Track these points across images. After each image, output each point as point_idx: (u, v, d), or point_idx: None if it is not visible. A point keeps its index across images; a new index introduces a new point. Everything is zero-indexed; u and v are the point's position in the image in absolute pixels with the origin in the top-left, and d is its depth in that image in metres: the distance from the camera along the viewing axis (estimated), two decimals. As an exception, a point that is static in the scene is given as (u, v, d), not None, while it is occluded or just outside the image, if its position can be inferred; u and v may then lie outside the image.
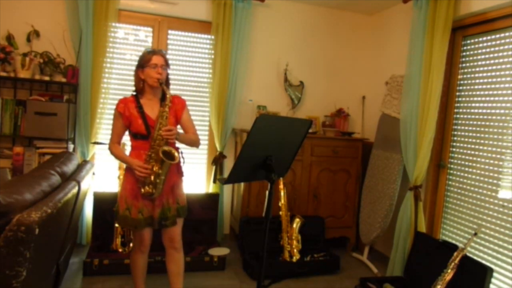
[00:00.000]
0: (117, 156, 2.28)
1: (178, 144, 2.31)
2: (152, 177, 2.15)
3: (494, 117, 2.83)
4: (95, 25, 3.33)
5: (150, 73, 2.18)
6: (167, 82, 2.29)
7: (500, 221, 2.71)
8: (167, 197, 2.27)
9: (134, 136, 2.24)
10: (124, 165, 2.37)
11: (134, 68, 2.27)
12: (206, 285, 2.96)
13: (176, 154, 2.18)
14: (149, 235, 2.33)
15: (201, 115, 3.89)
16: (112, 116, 2.29)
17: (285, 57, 4.07)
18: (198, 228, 3.55)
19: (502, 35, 2.81)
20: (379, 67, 4.09)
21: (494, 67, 2.86)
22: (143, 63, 2.21)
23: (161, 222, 2.26)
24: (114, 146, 2.28)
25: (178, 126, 2.37)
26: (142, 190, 2.17)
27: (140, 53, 2.27)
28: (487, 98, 2.89)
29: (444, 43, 2.94)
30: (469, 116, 3.04)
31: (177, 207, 2.32)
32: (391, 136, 3.49)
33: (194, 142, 2.37)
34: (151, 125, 2.20)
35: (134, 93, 2.28)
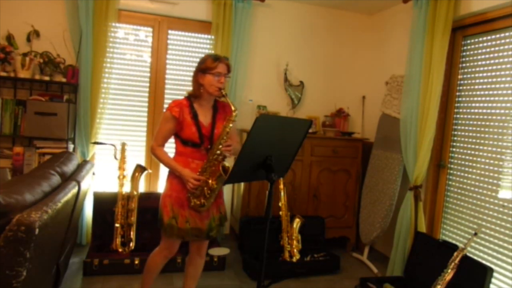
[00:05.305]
0: (162, 161, 2.18)
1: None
2: (206, 190, 2.09)
3: (494, 117, 2.83)
4: (95, 25, 3.33)
5: (212, 81, 2.09)
6: None
7: (500, 221, 2.71)
8: (213, 208, 2.22)
9: (184, 143, 2.15)
10: (167, 170, 2.22)
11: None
12: (206, 285, 2.96)
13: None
14: (179, 244, 2.26)
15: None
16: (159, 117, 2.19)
17: (285, 57, 4.07)
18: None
19: (502, 35, 2.81)
20: (379, 67, 4.09)
21: (494, 67, 2.86)
22: (205, 68, 2.10)
23: (208, 233, 2.20)
24: (160, 150, 2.17)
25: None
26: (192, 202, 2.11)
27: (201, 56, 2.16)
28: (487, 98, 2.89)
29: (444, 43, 2.94)
30: (469, 116, 3.04)
31: (219, 216, 2.27)
32: (391, 136, 3.49)
33: (237, 152, 2.31)
34: (204, 134, 2.13)
35: (187, 96, 2.20)
